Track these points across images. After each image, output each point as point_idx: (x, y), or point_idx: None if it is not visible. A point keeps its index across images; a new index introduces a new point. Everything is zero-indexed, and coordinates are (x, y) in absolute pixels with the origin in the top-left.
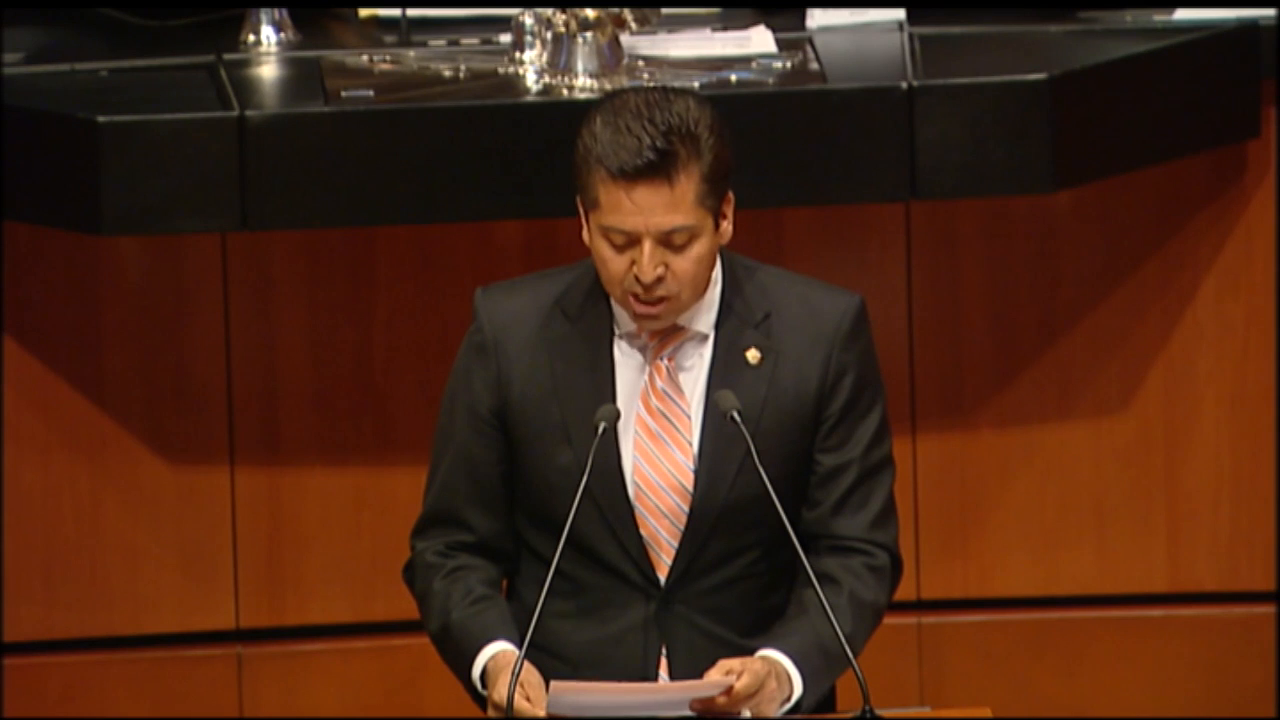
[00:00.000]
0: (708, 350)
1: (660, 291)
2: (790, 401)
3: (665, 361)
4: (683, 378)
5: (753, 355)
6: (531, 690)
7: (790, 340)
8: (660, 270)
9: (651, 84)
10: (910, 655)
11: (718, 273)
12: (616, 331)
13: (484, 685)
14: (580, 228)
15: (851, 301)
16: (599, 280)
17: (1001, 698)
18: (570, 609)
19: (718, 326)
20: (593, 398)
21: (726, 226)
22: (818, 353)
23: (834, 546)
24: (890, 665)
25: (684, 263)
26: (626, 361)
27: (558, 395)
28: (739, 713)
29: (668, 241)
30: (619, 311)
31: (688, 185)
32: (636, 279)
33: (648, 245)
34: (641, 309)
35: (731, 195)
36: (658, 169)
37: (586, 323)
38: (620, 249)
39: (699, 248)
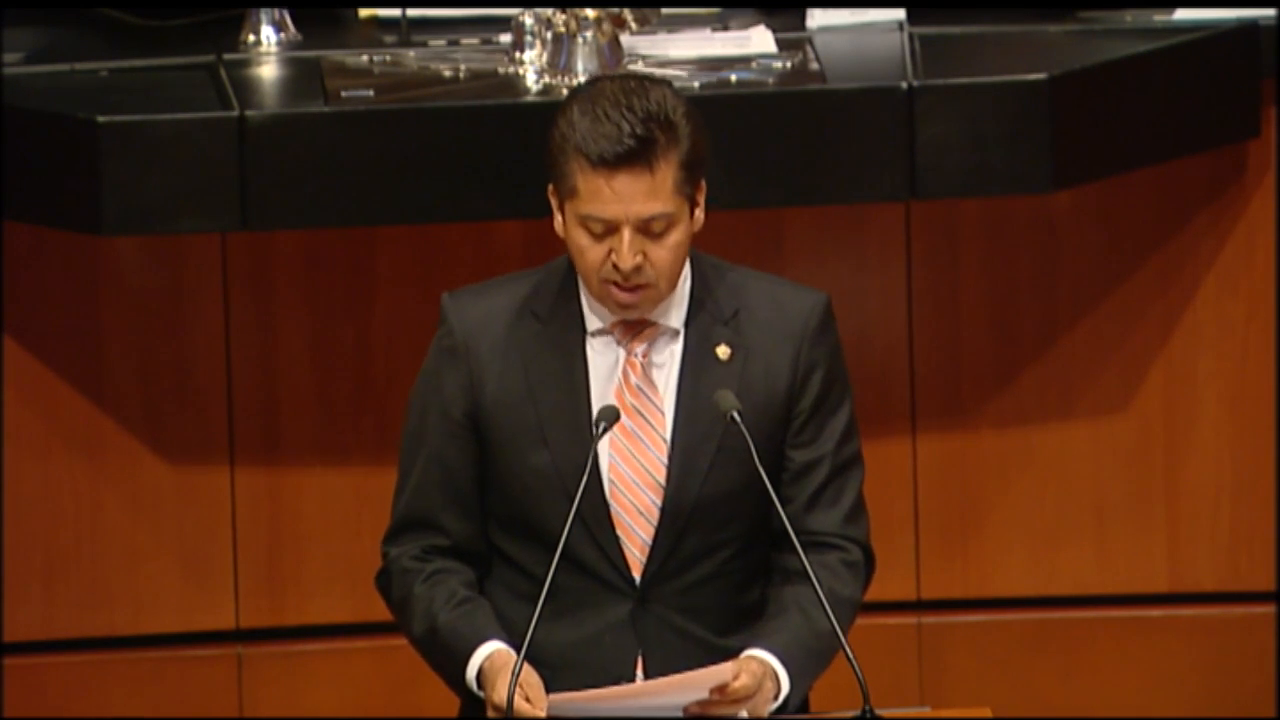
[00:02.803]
0: (679, 346)
1: (638, 280)
2: (760, 398)
3: (639, 357)
4: (655, 373)
5: (723, 351)
6: (531, 691)
7: (759, 337)
8: (638, 259)
9: (623, 74)
10: (910, 655)
11: (687, 270)
12: (588, 330)
13: (479, 686)
14: (551, 217)
15: (819, 299)
16: (568, 279)
17: (1001, 698)
18: (545, 611)
19: (688, 322)
20: (568, 397)
21: (700, 215)
22: (787, 349)
23: (808, 542)
24: (890, 665)
25: (661, 250)
26: (599, 360)
27: (532, 396)
28: (736, 713)
29: (646, 229)
30: (590, 310)
31: (667, 172)
32: (615, 267)
33: (627, 233)
34: (621, 296)
35: (704, 183)
36: (638, 156)
37: (558, 323)
38: (598, 238)
39: (676, 235)
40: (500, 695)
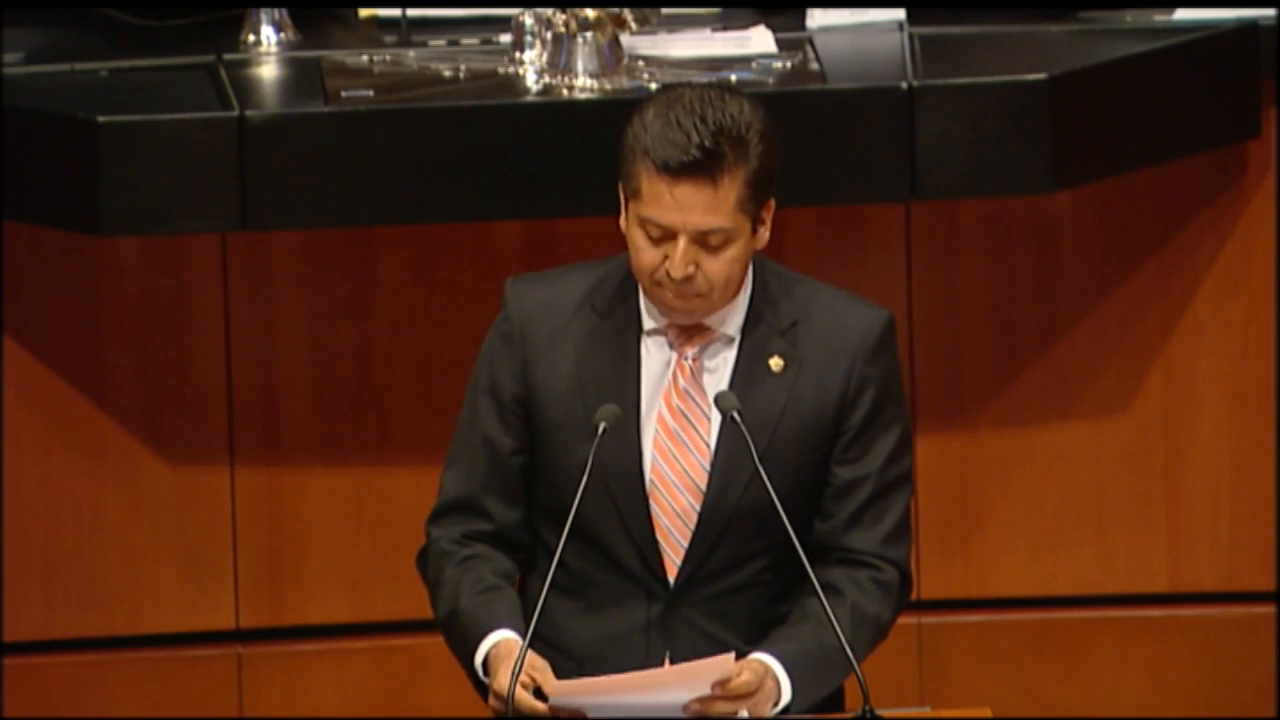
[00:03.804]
0: (732, 353)
1: (689, 290)
2: (809, 411)
3: (690, 361)
4: (706, 378)
5: (775, 363)
6: (536, 674)
7: (814, 350)
8: (691, 269)
9: (707, 82)
10: (910, 655)
11: (748, 277)
12: (644, 328)
13: (485, 673)
14: (619, 213)
15: (879, 316)
16: (629, 276)
17: (1001, 698)
18: (578, 605)
19: (744, 331)
20: (617, 393)
21: (764, 232)
22: (840, 365)
23: (844, 559)
24: (890, 665)
25: (716, 264)
26: (652, 359)
27: (582, 389)
28: (737, 712)
29: (703, 241)
30: (647, 308)
31: (730, 188)
32: (667, 273)
33: (682, 243)
34: (671, 300)
35: (773, 202)
36: (702, 168)
37: (615, 318)
38: (655, 241)
39: (733, 250)
40: (501, 684)
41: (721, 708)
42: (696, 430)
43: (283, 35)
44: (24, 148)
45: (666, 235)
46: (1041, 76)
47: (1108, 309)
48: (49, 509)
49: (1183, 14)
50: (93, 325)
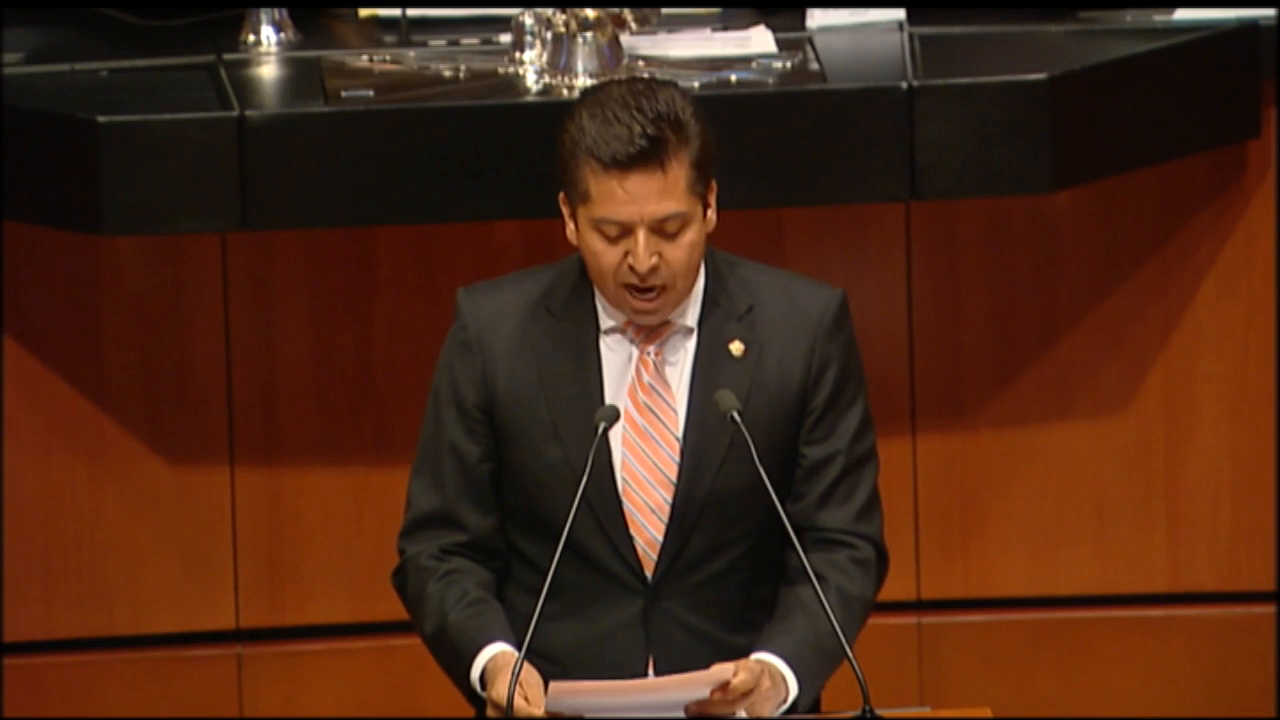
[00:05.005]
0: (692, 344)
1: (655, 281)
2: (774, 394)
3: (652, 356)
4: (668, 371)
5: (736, 348)
6: (530, 690)
7: (773, 333)
8: (654, 260)
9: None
10: (910, 655)
11: (701, 267)
12: (602, 327)
13: (483, 686)
14: (564, 226)
15: (834, 295)
16: (582, 277)
17: (1001, 698)
18: (557, 609)
19: (701, 320)
20: (581, 394)
21: (711, 215)
22: (801, 345)
23: (818, 539)
24: (890, 665)
25: (677, 250)
26: (613, 357)
27: (545, 393)
28: (734, 712)
29: (660, 230)
30: (604, 307)
31: (679, 172)
32: (631, 269)
33: (642, 234)
34: (639, 303)
35: (715, 183)
36: (650, 156)
37: (572, 319)
38: (613, 240)
39: (691, 234)
40: (499, 693)
41: (720, 708)
42: (664, 424)
43: (283, 35)
44: (24, 148)
45: (624, 231)
46: (1041, 76)
47: (1108, 309)
48: (49, 509)
49: (1183, 14)
50: (93, 325)
